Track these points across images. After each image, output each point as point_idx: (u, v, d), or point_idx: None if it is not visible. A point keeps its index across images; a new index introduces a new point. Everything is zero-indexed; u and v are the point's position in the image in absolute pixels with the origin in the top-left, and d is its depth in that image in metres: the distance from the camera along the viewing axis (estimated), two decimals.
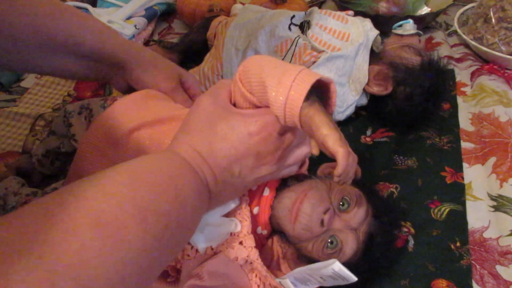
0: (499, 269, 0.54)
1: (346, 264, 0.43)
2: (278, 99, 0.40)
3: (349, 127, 0.77)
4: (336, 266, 0.43)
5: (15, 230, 0.26)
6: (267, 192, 0.51)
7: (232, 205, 0.47)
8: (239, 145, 0.42)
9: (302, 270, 0.46)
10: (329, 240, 0.47)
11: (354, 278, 0.43)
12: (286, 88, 0.39)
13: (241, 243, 0.47)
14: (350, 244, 0.47)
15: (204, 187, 0.41)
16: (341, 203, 0.48)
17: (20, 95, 0.88)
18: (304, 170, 0.54)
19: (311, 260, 0.47)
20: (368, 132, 0.76)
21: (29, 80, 0.92)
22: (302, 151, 0.47)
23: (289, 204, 0.48)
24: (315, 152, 0.44)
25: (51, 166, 0.66)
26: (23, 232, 0.26)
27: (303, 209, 0.47)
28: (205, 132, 0.42)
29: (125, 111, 0.56)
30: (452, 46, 0.95)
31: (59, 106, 0.84)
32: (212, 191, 0.42)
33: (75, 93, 0.88)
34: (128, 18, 1.01)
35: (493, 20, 0.86)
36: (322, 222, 0.47)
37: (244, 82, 0.44)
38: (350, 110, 0.75)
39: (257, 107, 0.44)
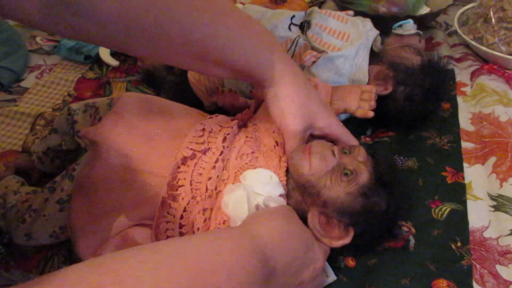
0: (499, 268, 0.54)
1: (365, 188, 0.50)
2: None
3: (349, 127, 0.76)
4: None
5: None
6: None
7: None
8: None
9: None
10: (343, 171, 0.51)
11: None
12: None
13: None
14: (363, 172, 0.51)
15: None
16: (343, 149, 0.54)
17: (20, 95, 0.88)
18: None
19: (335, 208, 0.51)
20: (368, 132, 0.76)
21: (29, 80, 0.92)
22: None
23: (301, 149, 0.54)
24: None
25: (50, 164, 0.66)
26: None
27: (314, 149, 0.53)
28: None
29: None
30: (452, 46, 0.95)
31: (59, 106, 0.85)
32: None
33: (75, 93, 0.88)
34: None
35: (493, 20, 0.86)
36: (333, 153, 0.52)
37: None
38: None
39: None
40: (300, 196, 0.53)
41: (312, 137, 0.59)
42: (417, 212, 0.61)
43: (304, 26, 0.78)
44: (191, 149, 0.53)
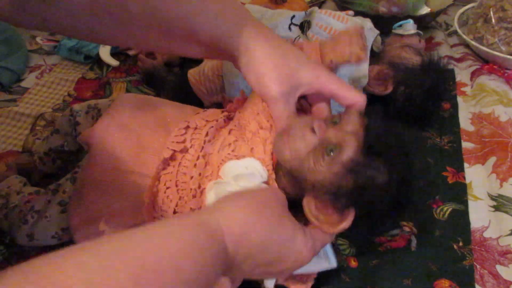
0: (499, 268, 0.54)
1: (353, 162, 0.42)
2: None
3: None
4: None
5: None
6: None
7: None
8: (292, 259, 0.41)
9: None
10: (327, 148, 0.43)
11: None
12: None
13: None
14: (349, 144, 0.43)
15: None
16: (332, 119, 0.46)
17: (20, 95, 0.88)
18: None
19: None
20: None
21: (29, 80, 0.92)
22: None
23: (280, 132, 0.48)
24: None
25: (52, 165, 0.67)
26: None
27: (292, 130, 0.46)
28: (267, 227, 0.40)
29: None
30: (452, 46, 0.95)
31: (59, 106, 0.85)
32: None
33: (75, 93, 0.88)
34: None
35: (493, 20, 0.86)
36: (313, 130, 0.45)
37: None
38: None
39: None
40: (292, 181, 0.48)
41: (306, 100, 0.53)
42: (419, 212, 0.61)
43: (304, 26, 0.78)
44: (171, 149, 0.52)
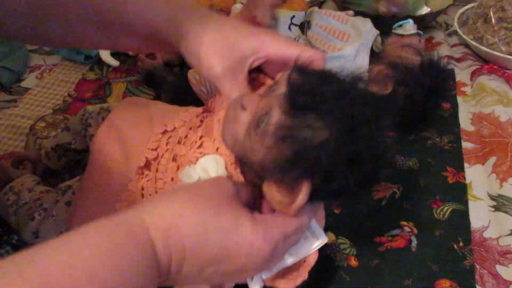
0: (499, 269, 0.55)
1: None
2: None
3: None
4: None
5: None
6: None
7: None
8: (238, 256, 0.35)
9: None
10: (258, 122, 0.38)
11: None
12: None
13: None
14: (273, 109, 0.37)
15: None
16: (270, 87, 0.41)
17: (20, 96, 0.88)
18: None
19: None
20: None
21: (29, 81, 0.92)
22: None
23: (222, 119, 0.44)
24: None
25: (56, 161, 0.67)
26: None
27: (227, 113, 0.42)
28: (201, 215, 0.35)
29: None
30: (452, 46, 0.95)
31: (59, 107, 0.85)
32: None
33: (75, 94, 0.88)
34: None
35: (493, 20, 0.86)
36: (242, 106, 0.40)
37: None
38: None
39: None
40: (249, 170, 0.42)
41: (265, 74, 0.48)
42: (419, 213, 0.61)
43: (304, 26, 0.78)
44: (145, 157, 0.49)
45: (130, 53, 0.96)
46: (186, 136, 0.49)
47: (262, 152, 0.38)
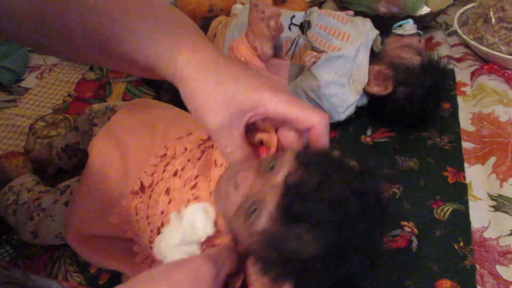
0: (499, 269, 0.55)
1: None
2: None
3: (349, 127, 0.77)
4: None
5: None
6: None
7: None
8: None
9: None
10: (249, 208, 0.35)
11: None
12: None
13: None
14: (267, 203, 0.34)
15: None
16: (269, 162, 0.38)
17: (20, 96, 0.88)
18: None
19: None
20: (368, 132, 0.76)
21: (29, 81, 0.92)
22: None
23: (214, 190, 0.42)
24: None
25: (68, 161, 0.68)
26: None
27: (217, 186, 0.40)
28: None
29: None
30: (452, 46, 0.95)
31: (59, 107, 0.85)
32: None
33: (75, 94, 0.88)
34: None
35: (493, 20, 0.86)
36: (236, 185, 0.37)
37: None
38: (350, 110, 0.75)
39: None
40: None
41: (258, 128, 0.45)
42: (419, 213, 0.62)
43: (304, 26, 0.78)
44: (140, 181, 0.48)
45: None
46: (183, 168, 0.47)
47: (249, 243, 0.36)
